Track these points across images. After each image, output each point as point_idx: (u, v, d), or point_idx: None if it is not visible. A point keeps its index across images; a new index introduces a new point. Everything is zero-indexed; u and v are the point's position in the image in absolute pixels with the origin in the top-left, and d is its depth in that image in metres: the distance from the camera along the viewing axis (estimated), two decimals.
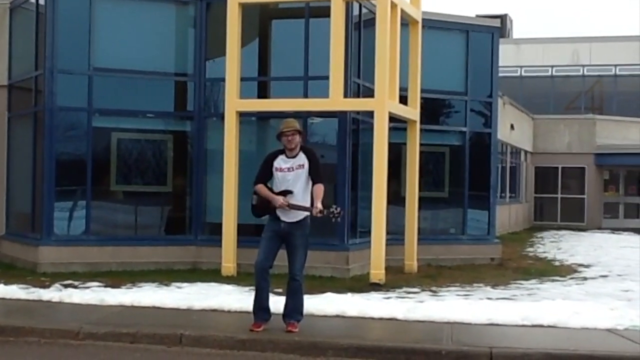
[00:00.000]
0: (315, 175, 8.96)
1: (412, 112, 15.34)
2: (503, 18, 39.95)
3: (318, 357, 8.53)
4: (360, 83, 14.90)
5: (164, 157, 15.56)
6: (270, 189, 9.05)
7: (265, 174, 9.09)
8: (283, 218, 8.94)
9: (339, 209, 8.94)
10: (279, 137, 9.04)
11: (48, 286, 12.07)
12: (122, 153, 15.17)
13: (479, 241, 17.47)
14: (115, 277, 13.18)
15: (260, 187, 9.07)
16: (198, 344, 8.85)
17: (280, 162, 9.01)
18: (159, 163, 15.50)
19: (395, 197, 15.79)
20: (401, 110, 14.69)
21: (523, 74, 40.05)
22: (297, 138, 8.98)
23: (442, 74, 17.25)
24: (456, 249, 17.02)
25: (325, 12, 13.82)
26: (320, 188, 8.92)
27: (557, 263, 18.23)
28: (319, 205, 8.79)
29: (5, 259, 15.24)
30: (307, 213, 8.91)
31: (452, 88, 17.53)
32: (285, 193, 8.90)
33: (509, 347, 8.73)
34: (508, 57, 36.44)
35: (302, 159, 8.98)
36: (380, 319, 9.99)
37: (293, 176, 8.93)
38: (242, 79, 14.23)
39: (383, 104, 13.49)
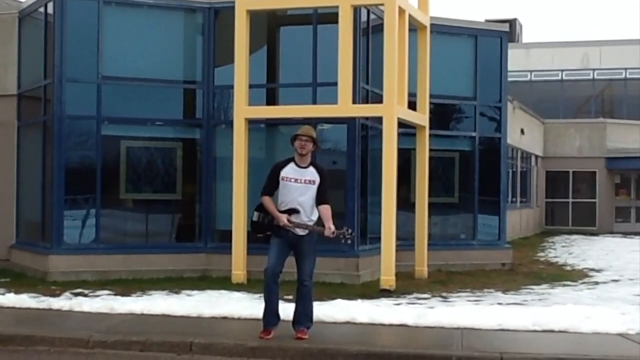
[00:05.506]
0: (323, 195, 8.92)
1: (421, 117, 15.31)
2: (512, 23, 39.94)
3: None
4: (368, 89, 14.88)
5: (173, 165, 15.58)
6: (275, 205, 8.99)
7: (272, 184, 9.02)
8: (290, 232, 8.91)
9: (350, 231, 8.92)
10: (292, 140, 8.99)
11: (58, 295, 12.10)
12: (132, 161, 15.20)
13: (489, 246, 17.40)
14: (125, 285, 13.19)
15: (267, 201, 9.03)
16: (208, 352, 8.85)
17: (288, 170, 8.94)
18: (168, 171, 15.52)
19: (405, 203, 15.74)
20: (410, 116, 14.66)
21: (533, 78, 39.97)
22: (310, 146, 8.93)
23: (451, 79, 17.22)
24: (467, 254, 16.96)
25: (333, 18, 13.80)
26: (328, 209, 8.91)
27: (568, 268, 18.17)
28: (332, 227, 8.76)
29: (15, 268, 15.26)
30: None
31: (461, 93, 17.49)
32: (291, 212, 8.85)
33: (520, 352, 8.70)
34: (518, 62, 36.37)
35: (313, 174, 8.92)
36: (391, 325, 9.97)
37: (301, 189, 8.86)
38: (250, 86, 14.25)
39: (392, 110, 13.47)
